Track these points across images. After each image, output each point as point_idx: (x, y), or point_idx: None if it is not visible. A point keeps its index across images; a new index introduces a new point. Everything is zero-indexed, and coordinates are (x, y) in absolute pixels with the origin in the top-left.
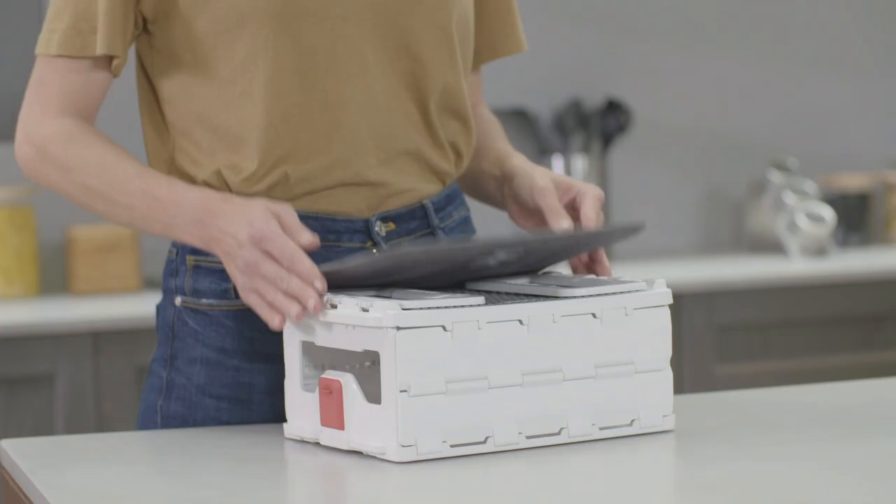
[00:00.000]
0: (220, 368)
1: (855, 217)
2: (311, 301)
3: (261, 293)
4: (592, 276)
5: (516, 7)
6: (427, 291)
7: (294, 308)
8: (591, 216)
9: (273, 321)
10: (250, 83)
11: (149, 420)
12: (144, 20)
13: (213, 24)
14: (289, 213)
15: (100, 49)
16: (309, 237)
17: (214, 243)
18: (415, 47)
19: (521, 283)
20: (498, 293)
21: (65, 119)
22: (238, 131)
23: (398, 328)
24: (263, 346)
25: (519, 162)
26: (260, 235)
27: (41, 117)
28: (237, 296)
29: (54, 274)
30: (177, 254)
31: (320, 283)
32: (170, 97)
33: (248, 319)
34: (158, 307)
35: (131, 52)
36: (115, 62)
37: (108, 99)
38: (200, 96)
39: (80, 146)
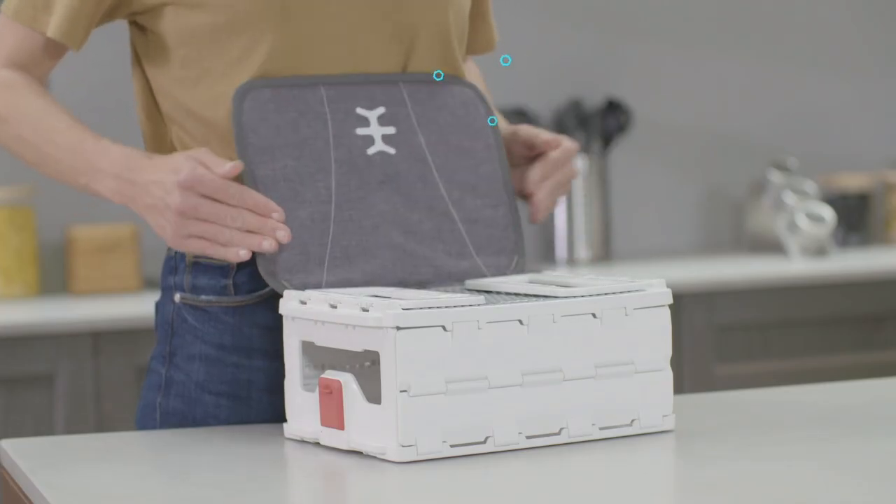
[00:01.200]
0: (220, 365)
1: (855, 217)
2: (281, 233)
3: (207, 237)
4: (592, 276)
5: (490, 6)
6: (427, 291)
7: (265, 242)
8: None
9: (233, 255)
10: (244, 79)
11: (148, 417)
12: (133, 12)
13: (210, 20)
14: (205, 152)
15: (51, 32)
16: (230, 165)
17: (139, 196)
18: (411, 43)
19: (520, 282)
20: (498, 293)
21: (8, 70)
22: (230, 125)
23: (398, 328)
24: (262, 343)
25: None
26: (192, 179)
27: None
28: (237, 292)
29: (54, 274)
30: (176, 251)
31: (278, 214)
32: (163, 89)
33: (247, 316)
34: (157, 304)
35: (126, 44)
36: (64, 52)
37: (105, 91)
38: (192, 90)
39: (17, 96)
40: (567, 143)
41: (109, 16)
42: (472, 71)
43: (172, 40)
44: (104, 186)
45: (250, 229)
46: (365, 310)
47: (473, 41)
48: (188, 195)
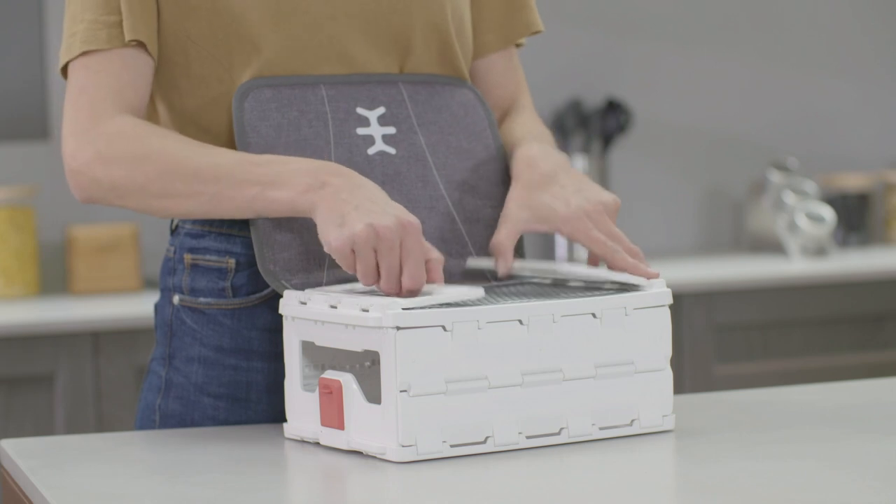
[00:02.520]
0: (218, 367)
1: (855, 217)
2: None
3: (365, 262)
4: (591, 275)
5: None
6: (428, 286)
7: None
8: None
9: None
10: (240, 83)
11: (147, 419)
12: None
13: (206, 25)
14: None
15: (128, 35)
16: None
17: (344, 191)
18: (408, 44)
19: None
20: (498, 285)
21: (123, 116)
22: (229, 130)
23: (398, 328)
24: (261, 345)
25: (524, 153)
26: (412, 226)
27: (94, 121)
28: (234, 294)
29: (54, 274)
30: (175, 252)
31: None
32: (162, 95)
33: (245, 318)
34: (157, 306)
35: None
36: (150, 48)
37: None
38: (190, 96)
39: (151, 135)
40: (562, 216)
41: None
42: (524, 107)
43: (169, 45)
44: (290, 186)
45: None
46: (365, 310)
47: (512, 28)
48: (396, 233)
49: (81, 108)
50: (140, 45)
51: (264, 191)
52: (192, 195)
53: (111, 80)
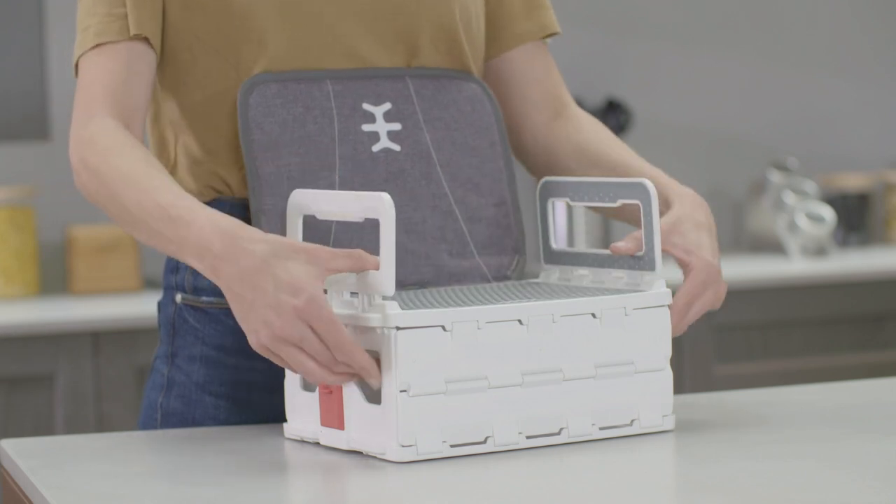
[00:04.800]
0: (220, 366)
1: (855, 217)
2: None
3: (289, 361)
4: (590, 275)
5: None
6: (426, 291)
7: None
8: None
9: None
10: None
11: (149, 417)
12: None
13: (212, 22)
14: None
15: (133, 29)
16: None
17: (229, 285)
18: (415, 43)
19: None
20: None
21: (106, 121)
22: (234, 127)
23: (398, 328)
24: None
25: (680, 202)
26: (310, 312)
27: (85, 122)
28: None
29: (54, 274)
30: None
31: (375, 377)
32: (169, 95)
33: None
34: (160, 304)
35: None
36: (154, 42)
37: None
38: (196, 92)
39: (112, 153)
40: (706, 261)
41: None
42: (589, 121)
43: (176, 42)
44: (192, 260)
45: (327, 364)
46: (365, 310)
47: (527, 28)
48: (298, 327)
49: (79, 106)
50: (145, 39)
51: (180, 252)
52: (134, 229)
53: (111, 77)
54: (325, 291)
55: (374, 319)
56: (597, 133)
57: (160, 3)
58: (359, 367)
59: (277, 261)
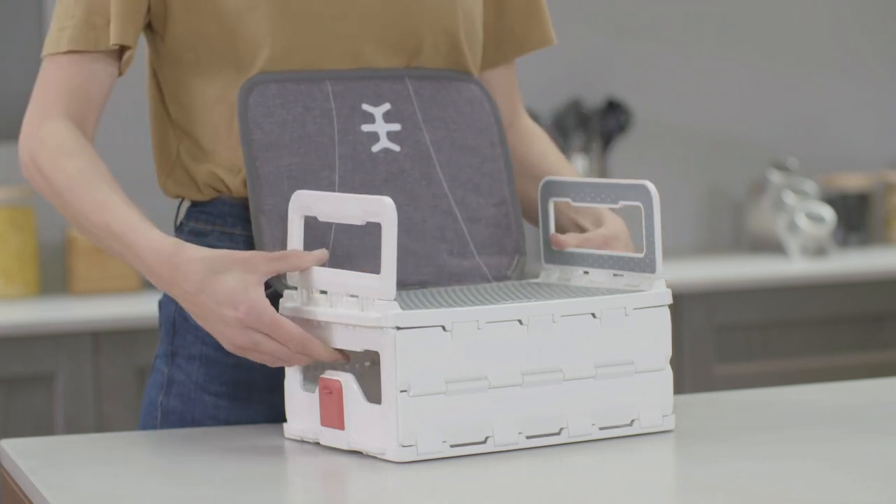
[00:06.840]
0: (219, 366)
1: (855, 217)
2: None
3: (254, 359)
4: (590, 275)
5: (543, 0)
6: (426, 291)
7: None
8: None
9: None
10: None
11: (149, 416)
12: (149, 12)
13: (214, 24)
14: (259, 257)
15: (113, 39)
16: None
17: (183, 303)
18: (417, 46)
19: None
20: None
21: (60, 123)
22: (234, 128)
23: (398, 328)
24: None
25: (613, 222)
26: (249, 319)
27: (40, 121)
28: None
29: (54, 274)
30: None
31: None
32: (173, 95)
33: None
34: (160, 303)
35: (140, 53)
36: (126, 54)
37: (120, 98)
38: (198, 93)
39: (65, 155)
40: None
41: (147, 11)
42: (535, 134)
43: (180, 43)
44: (143, 272)
45: (285, 358)
46: (365, 310)
47: (527, 39)
48: (249, 334)
49: (37, 102)
50: (120, 50)
51: (132, 266)
52: (86, 234)
53: (75, 83)
54: (287, 286)
55: (374, 319)
56: (540, 146)
57: (142, 14)
58: (316, 356)
59: (214, 277)
